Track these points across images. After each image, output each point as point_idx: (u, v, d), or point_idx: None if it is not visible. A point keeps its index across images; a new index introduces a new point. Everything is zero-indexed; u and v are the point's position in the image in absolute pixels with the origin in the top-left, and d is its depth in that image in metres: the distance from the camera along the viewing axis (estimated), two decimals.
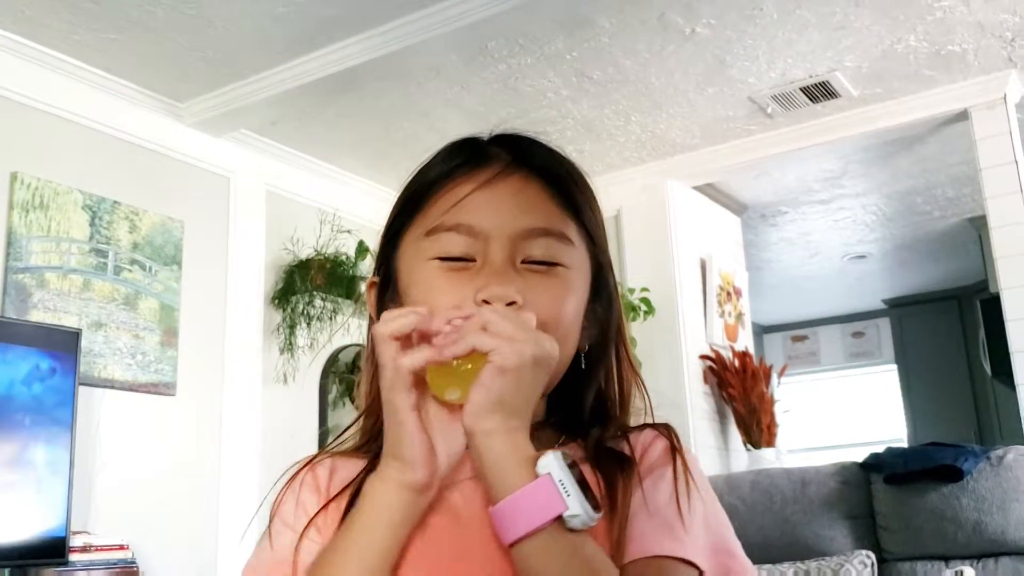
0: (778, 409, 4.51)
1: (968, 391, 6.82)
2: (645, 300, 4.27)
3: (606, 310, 0.87)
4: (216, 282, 3.78)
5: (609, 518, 0.76)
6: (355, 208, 4.24)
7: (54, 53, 3.27)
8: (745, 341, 4.89)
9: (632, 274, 4.40)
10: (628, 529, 0.76)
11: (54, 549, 2.74)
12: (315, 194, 4.24)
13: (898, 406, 7.19)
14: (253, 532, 0.91)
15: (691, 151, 4.41)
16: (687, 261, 4.57)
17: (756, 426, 4.40)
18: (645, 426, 0.87)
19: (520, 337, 0.71)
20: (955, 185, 4.98)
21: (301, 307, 3.95)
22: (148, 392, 3.42)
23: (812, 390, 7.68)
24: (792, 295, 7.00)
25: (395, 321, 0.73)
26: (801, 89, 3.82)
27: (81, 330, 3.03)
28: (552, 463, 0.69)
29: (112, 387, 3.30)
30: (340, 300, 3.99)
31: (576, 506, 0.67)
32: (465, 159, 0.84)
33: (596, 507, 0.69)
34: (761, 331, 7.68)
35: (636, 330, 4.21)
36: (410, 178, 0.87)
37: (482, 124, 0.92)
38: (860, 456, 3.23)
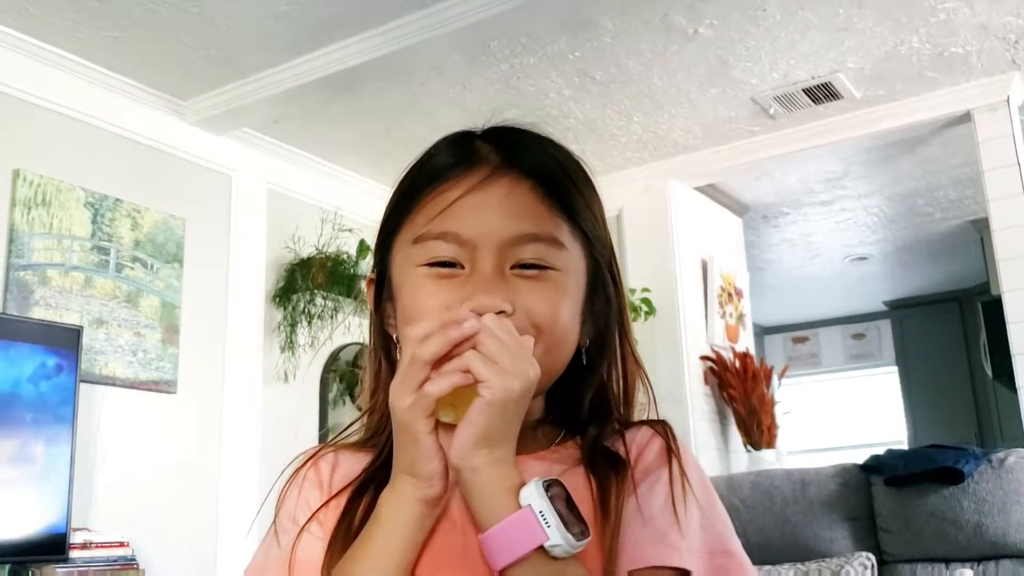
0: (778, 410, 4.50)
1: (969, 393, 6.82)
2: (646, 300, 4.27)
3: (605, 306, 0.86)
4: (217, 280, 3.78)
5: (601, 524, 0.76)
6: (356, 207, 4.24)
7: (57, 50, 3.28)
8: (746, 342, 4.89)
9: (633, 274, 4.40)
10: (622, 536, 0.76)
11: (54, 546, 2.74)
12: (317, 193, 4.25)
13: (899, 408, 7.18)
14: (256, 528, 0.91)
15: (693, 152, 4.41)
16: (688, 262, 4.57)
17: (756, 427, 4.40)
18: (642, 423, 0.86)
19: (510, 368, 0.71)
20: (957, 187, 4.98)
21: (302, 305, 3.95)
22: (149, 390, 3.42)
23: (813, 391, 7.67)
24: (793, 296, 7.00)
25: (433, 343, 0.72)
26: (803, 90, 3.82)
27: (82, 327, 3.03)
28: (533, 494, 0.71)
29: (113, 384, 3.30)
30: (341, 299, 3.99)
31: (557, 536, 0.69)
32: (455, 160, 0.82)
33: (583, 531, 0.71)
34: (762, 332, 7.68)
35: (637, 330, 4.17)
36: (402, 176, 0.86)
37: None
38: (861, 458, 3.22)
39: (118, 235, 3.42)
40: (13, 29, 3.15)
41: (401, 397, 0.73)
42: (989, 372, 5.97)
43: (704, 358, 4.50)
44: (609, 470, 0.80)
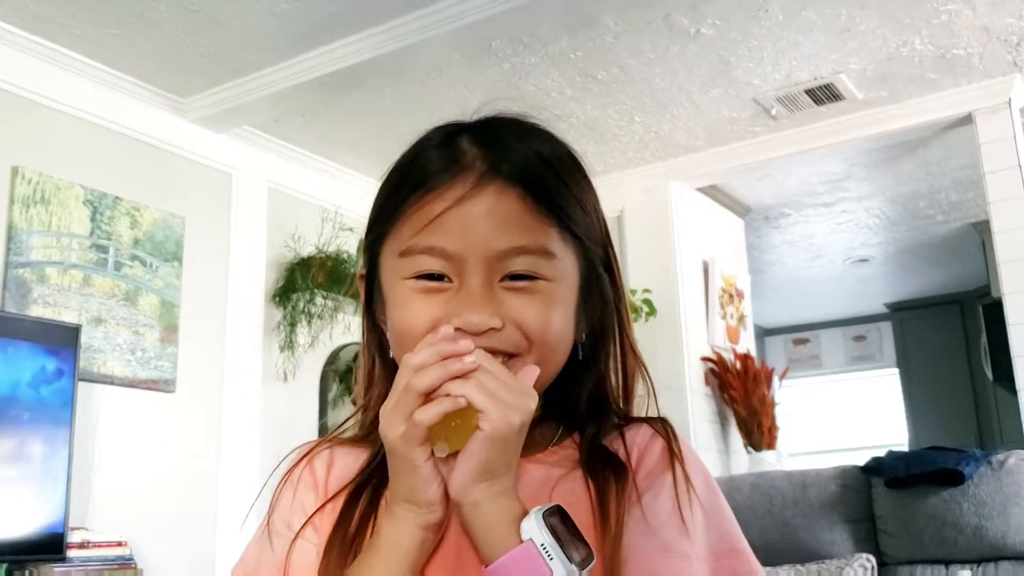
0: (779, 412, 4.50)
1: (969, 395, 6.82)
2: (647, 301, 4.26)
3: (600, 304, 0.85)
4: (217, 279, 3.77)
5: (601, 532, 0.75)
6: (357, 206, 4.23)
7: (57, 47, 3.27)
8: (747, 343, 4.89)
9: (634, 275, 4.39)
10: (629, 548, 0.74)
11: (52, 545, 2.73)
12: (317, 191, 4.24)
13: (899, 410, 7.18)
14: (251, 521, 0.90)
15: (694, 152, 4.40)
16: (689, 263, 4.56)
17: (757, 428, 4.40)
18: (642, 421, 0.85)
19: (510, 400, 0.70)
20: (958, 189, 4.97)
21: (302, 305, 3.94)
22: (148, 389, 3.41)
23: (813, 393, 7.67)
24: (794, 298, 7.00)
25: (429, 376, 0.71)
26: (805, 91, 3.81)
27: (81, 326, 3.02)
28: (534, 527, 0.70)
29: (112, 383, 3.29)
30: (341, 298, 3.98)
31: (560, 569, 0.68)
32: (440, 166, 0.79)
33: (586, 558, 0.70)
34: (763, 334, 7.68)
35: (638, 331, 4.15)
36: (388, 175, 0.85)
37: None
38: (861, 460, 3.22)
39: (117, 233, 3.41)
40: (12, 26, 3.14)
41: (393, 425, 0.72)
42: (989, 374, 5.97)
43: (705, 359, 4.49)
44: (608, 474, 0.78)
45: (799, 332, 7.85)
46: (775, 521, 3.12)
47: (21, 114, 3.21)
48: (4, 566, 2.66)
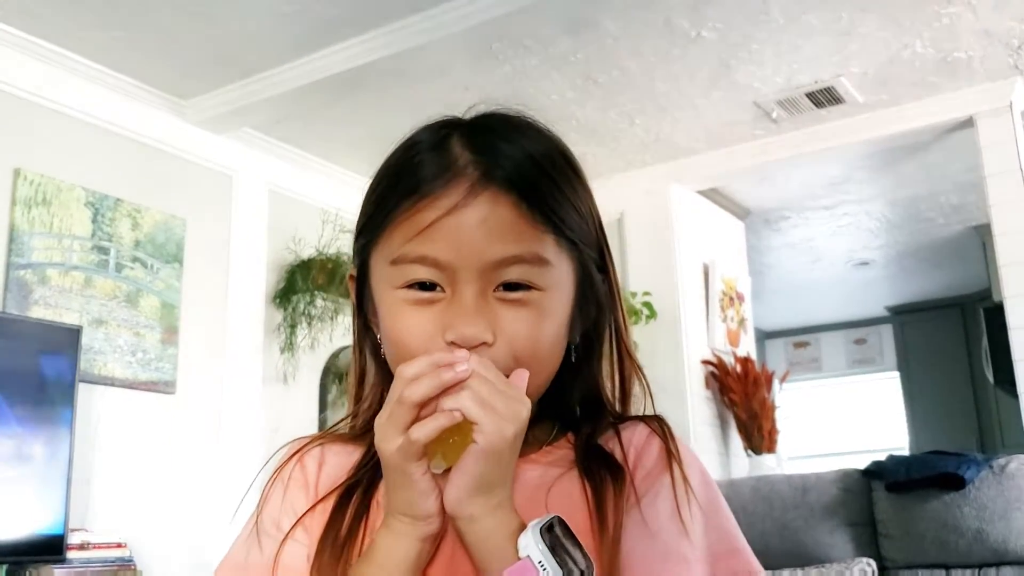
0: (779, 415, 4.50)
1: (970, 399, 6.81)
2: (647, 304, 4.26)
3: (595, 308, 0.83)
4: (217, 281, 3.77)
5: (598, 535, 0.74)
6: (358, 208, 4.19)
7: (58, 49, 3.27)
8: (747, 346, 4.88)
9: (634, 278, 4.39)
10: (628, 553, 0.74)
11: (52, 547, 2.73)
12: (318, 194, 4.24)
13: (900, 413, 7.17)
14: (242, 512, 0.89)
15: (695, 155, 4.40)
16: (690, 265, 4.56)
17: (757, 432, 4.40)
18: (638, 419, 0.83)
19: (504, 411, 0.69)
20: (959, 192, 4.97)
21: (302, 307, 3.94)
22: (148, 390, 3.41)
23: (814, 396, 7.66)
24: (795, 301, 6.99)
25: (422, 386, 0.69)
26: (806, 94, 3.81)
27: (82, 327, 3.02)
28: (531, 543, 0.68)
29: (112, 385, 3.29)
30: (341, 300, 3.98)
31: None
32: (432, 172, 0.77)
33: (585, 571, 0.68)
34: (763, 337, 7.67)
35: (638, 334, 4.20)
36: (379, 174, 0.83)
37: None
38: (862, 463, 3.22)
39: (118, 235, 3.41)
40: (14, 28, 3.14)
41: (389, 438, 0.70)
42: (990, 378, 5.96)
43: (705, 362, 4.49)
44: (605, 476, 0.77)
45: (799, 335, 7.85)
46: (775, 525, 3.12)
47: (23, 116, 3.21)
48: (4, 567, 2.66)
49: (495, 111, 0.83)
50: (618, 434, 0.82)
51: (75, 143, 3.36)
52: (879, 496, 3.07)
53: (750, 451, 4.44)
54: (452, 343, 0.73)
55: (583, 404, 0.85)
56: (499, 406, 0.69)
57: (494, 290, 0.76)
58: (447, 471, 0.71)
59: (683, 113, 3.98)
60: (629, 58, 3.49)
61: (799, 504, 3.13)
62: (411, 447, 0.69)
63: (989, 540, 2.82)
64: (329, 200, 4.20)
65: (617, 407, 0.85)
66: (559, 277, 0.78)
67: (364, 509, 0.80)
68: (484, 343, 0.74)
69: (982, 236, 5.30)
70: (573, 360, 0.82)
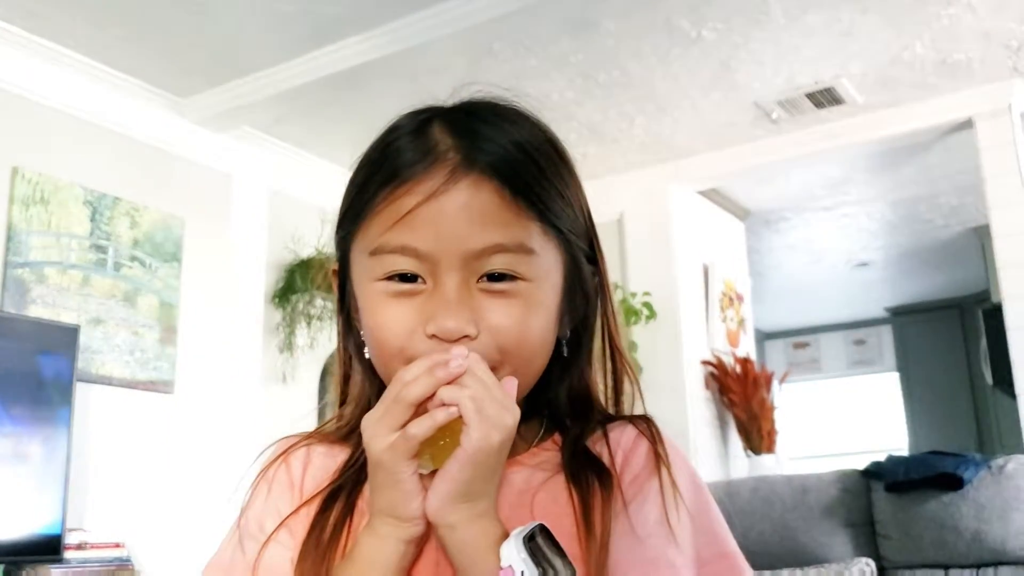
0: (779, 416, 4.50)
1: (969, 400, 6.82)
2: (647, 304, 4.26)
3: (583, 301, 0.80)
4: (216, 280, 3.77)
5: (585, 540, 0.72)
6: None
7: (57, 47, 3.26)
8: (747, 347, 4.88)
9: (634, 278, 4.39)
10: (616, 559, 0.72)
11: (49, 546, 2.73)
12: (317, 193, 4.23)
13: (899, 414, 7.18)
14: (229, 510, 0.89)
15: (695, 155, 4.40)
16: (689, 266, 4.56)
17: (757, 432, 4.40)
18: (626, 420, 0.81)
19: (492, 415, 0.67)
20: (959, 194, 4.97)
21: (301, 306, 3.94)
22: (146, 390, 3.41)
23: (813, 397, 7.67)
24: (794, 302, 6.99)
25: (419, 385, 0.68)
26: (806, 95, 3.81)
27: (80, 326, 3.02)
28: (513, 553, 0.67)
29: (110, 384, 3.29)
30: None
31: None
32: (412, 158, 0.75)
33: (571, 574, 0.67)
34: (763, 337, 7.68)
35: (638, 334, 4.20)
36: (358, 164, 0.80)
37: None
38: (861, 464, 3.22)
39: (116, 234, 3.41)
40: (13, 26, 3.14)
41: (380, 436, 0.68)
42: (989, 379, 5.96)
43: (705, 363, 4.49)
44: (592, 481, 0.75)
45: (799, 336, 7.85)
46: (774, 525, 3.12)
47: (21, 114, 3.21)
48: (2, 567, 2.66)
49: (480, 98, 0.81)
50: (606, 435, 0.79)
51: (73, 141, 3.35)
52: (878, 496, 3.07)
53: (749, 451, 4.44)
54: (433, 336, 0.71)
55: (572, 402, 0.82)
56: (490, 411, 0.68)
57: (477, 281, 0.73)
58: (433, 473, 0.70)
59: (683, 113, 3.98)
60: (629, 58, 3.49)
61: (798, 504, 3.13)
62: (406, 444, 0.68)
63: (987, 540, 2.82)
64: (328, 199, 4.17)
65: (609, 406, 0.83)
66: (546, 267, 0.75)
67: (348, 512, 0.78)
68: (466, 336, 0.71)
69: (981, 237, 5.30)
70: (565, 355, 0.80)
